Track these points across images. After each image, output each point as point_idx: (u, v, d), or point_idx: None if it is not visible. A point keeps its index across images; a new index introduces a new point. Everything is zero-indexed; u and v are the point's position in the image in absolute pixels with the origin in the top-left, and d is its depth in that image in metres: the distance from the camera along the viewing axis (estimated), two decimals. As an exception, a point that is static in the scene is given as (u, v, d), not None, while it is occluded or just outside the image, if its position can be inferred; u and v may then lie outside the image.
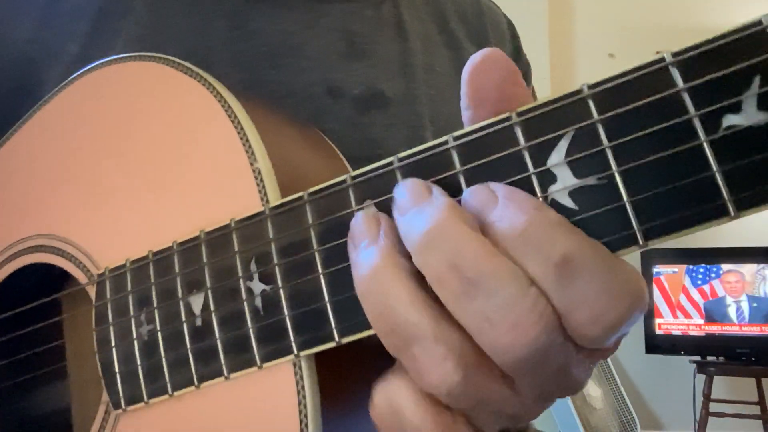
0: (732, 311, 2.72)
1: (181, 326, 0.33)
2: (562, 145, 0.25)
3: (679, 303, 2.77)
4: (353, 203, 0.29)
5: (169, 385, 0.34)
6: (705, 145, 0.23)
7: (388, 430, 0.27)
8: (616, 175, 0.24)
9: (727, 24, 0.23)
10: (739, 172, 0.22)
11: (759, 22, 0.22)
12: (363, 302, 0.27)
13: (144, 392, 0.34)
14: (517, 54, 0.61)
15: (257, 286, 0.31)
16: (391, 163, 0.28)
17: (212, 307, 0.32)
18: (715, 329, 2.72)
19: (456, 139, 0.27)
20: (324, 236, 0.29)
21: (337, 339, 0.29)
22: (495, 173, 0.26)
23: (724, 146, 0.23)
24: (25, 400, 0.44)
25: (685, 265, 2.78)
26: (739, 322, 2.70)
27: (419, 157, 0.28)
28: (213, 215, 0.33)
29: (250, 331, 0.31)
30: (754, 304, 2.70)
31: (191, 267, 0.33)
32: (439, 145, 0.27)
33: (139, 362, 0.35)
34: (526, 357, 0.24)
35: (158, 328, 0.34)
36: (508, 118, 0.26)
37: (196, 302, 0.33)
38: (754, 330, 2.68)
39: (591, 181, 0.24)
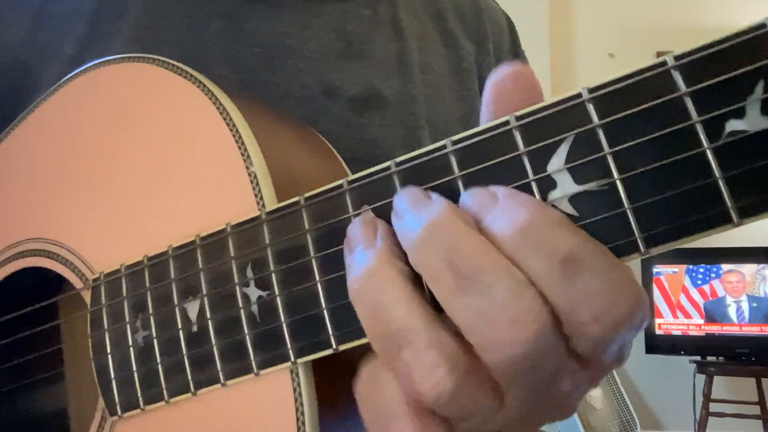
0: (732, 311, 2.72)
1: (177, 332, 0.33)
2: (562, 151, 0.25)
3: (679, 303, 2.77)
4: (350, 208, 0.28)
5: (165, 391, 0.33)
6: (708, 152, 0.22)
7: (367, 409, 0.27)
8: (618, 181, 0.24)
9: (728, 24, 0.23)
10: (742, 178, 0.22)
11: (763, 25, 0.22)
12: (356, 303, 0.26)
13: (140, 399, 0.34)
14: (515, 51, 0.61)
15: (254, 293, 0.31)
16: (388, 168, 0.28)
17: (208, 314, 0.32)
18: (715, 329, 2.72)
19: (454, 143, 0.26)
20: (321, 242, 0.29)
21: (334, 346, 0.29)
22: (494, 178, 0.26)
23: (727, 152, 0.22)
24: (22, 405, 0.44)
25: (685, 265, 2.78)
26: (739, 322, 2.70)
27: (417, 161, 0.27)
28: (208, 219, 0.33)
29: (247, 337, 0.31)
30: (754, 304, 2.70)
31: (187, 273, 0.33)
32: (438, 149, 0.27)
33: (134, 369, 0.34)
34: (521, 356, 0.23)
35: (154, 334, 0.34)
36: (506, 123, 0.25)
37: (192, 308, 0.32)
38: (754, 330, 2.68)
39: (592, 187, 0.24)
